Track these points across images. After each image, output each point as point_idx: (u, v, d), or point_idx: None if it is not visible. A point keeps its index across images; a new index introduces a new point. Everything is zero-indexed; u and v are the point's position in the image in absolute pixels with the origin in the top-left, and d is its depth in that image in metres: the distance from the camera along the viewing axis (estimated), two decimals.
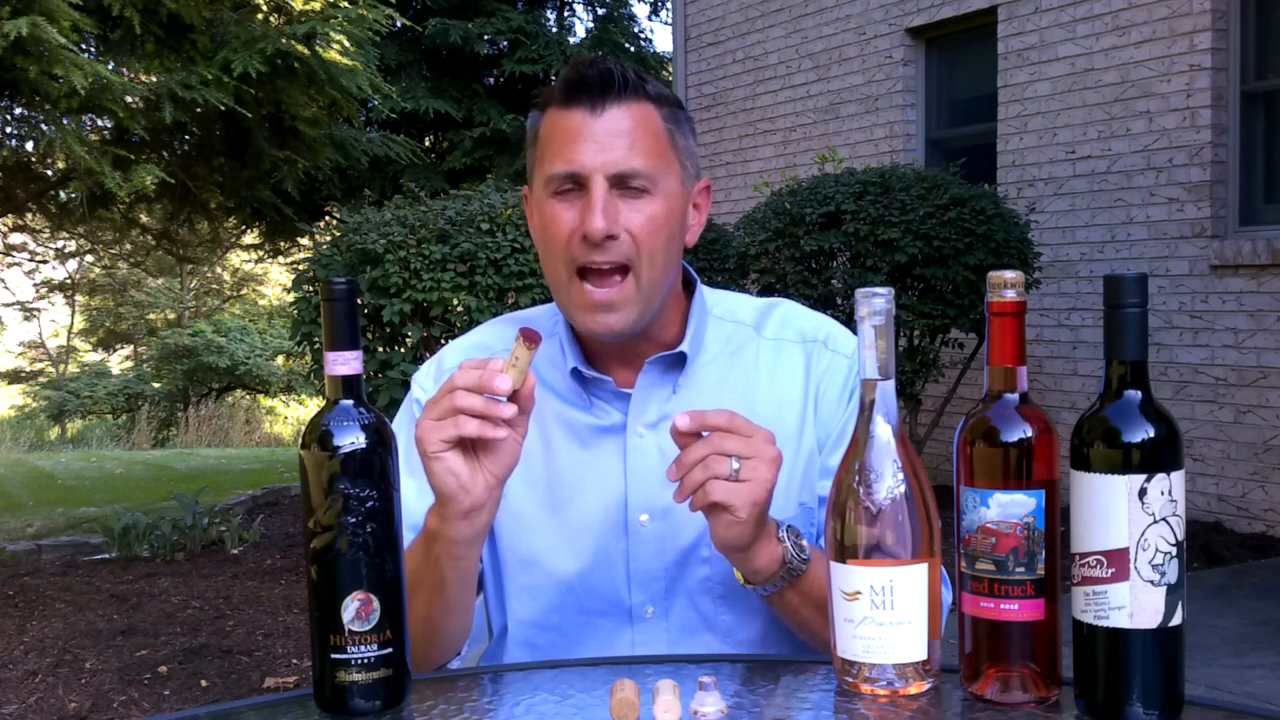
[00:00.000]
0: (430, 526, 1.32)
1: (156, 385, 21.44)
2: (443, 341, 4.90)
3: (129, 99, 5.91)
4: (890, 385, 1.16)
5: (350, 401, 1.16)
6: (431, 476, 1.25)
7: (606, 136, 1.39)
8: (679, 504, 1.27)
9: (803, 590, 1.34)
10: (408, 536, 1.35)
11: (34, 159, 6.72)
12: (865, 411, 1.17)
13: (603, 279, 1.41)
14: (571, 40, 13.14)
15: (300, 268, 5.82)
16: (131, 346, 25.49)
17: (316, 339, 5.36)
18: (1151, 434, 1.06)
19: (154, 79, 6.32)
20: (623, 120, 1.40)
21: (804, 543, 1.33)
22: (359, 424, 1.14)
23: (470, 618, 1.44)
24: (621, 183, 1.40)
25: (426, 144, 12.49)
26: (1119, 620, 1.06)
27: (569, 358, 1.50)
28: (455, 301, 4.97)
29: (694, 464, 1.23)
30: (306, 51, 6.43)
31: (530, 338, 1.22)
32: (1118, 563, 1.05)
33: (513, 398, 1.23)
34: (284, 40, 6.27)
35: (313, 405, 19.86)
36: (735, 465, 1.22)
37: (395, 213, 5.27)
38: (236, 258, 22.95)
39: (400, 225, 5.10)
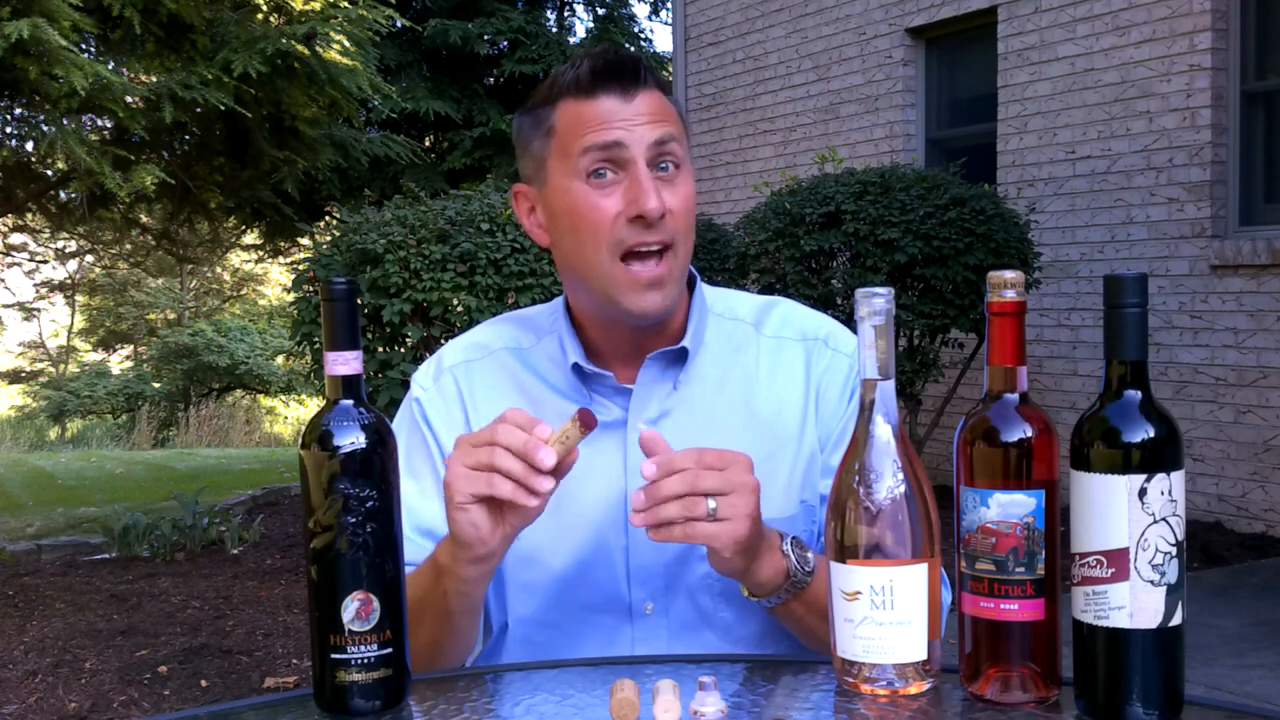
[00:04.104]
0: (441, 562, 1.31)
1: (156, 385, 21.44)
2: (442, 341, 4.89)
3: (129, 99, 5.91)
4: (890, 385, 1.16)
5: (350, 401, 1.16)
6: (453, 523, 1.24)
7: (641, 118, 1.40)
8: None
9: (808, 601, 1.34)
10: (409, 536, 1.35)
11: (34, 159, 6.72)
12: (865, 411, 1.17)
13: (647, 260, 1.41)
14: (571, 40, 13.15)
15: (300, 268, 5.82)
16: (131, 346, 25.49)
17: (316, 339, 5.36)
18: (1151, 434, 1.05)
19: (154, 79, 6.32)
20: (651, 103, 1.42)
21: (809, 554, 1.33)
22: (359, 424, 1.14)
23: (476, 637, 1.44)
24: (656, 163, 1.41)
25: (426, 144, 12.50)
26: (1119, 620, 1.06)
27: (569, 353, 1.50)
28: (455, 301, 4.98)
29: (666, 499, 1.20)
30: (306, 51, 6.43)
31: (587, 422, 1.20)
32: (1118, 563, 1.05)
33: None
34: (284, 40, 6.27)
35: (313, 405, 19.86)
36: (712, 505, 1.20)
37: (395, 213, 5.27)
38: (236, 258, 22.97)
39: (400, 225, 5.10)
